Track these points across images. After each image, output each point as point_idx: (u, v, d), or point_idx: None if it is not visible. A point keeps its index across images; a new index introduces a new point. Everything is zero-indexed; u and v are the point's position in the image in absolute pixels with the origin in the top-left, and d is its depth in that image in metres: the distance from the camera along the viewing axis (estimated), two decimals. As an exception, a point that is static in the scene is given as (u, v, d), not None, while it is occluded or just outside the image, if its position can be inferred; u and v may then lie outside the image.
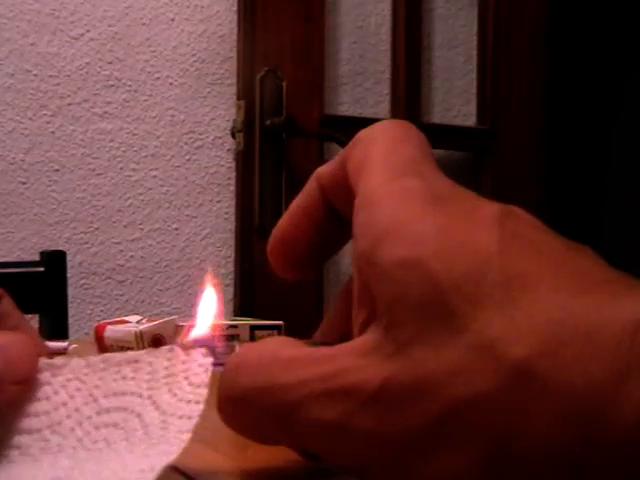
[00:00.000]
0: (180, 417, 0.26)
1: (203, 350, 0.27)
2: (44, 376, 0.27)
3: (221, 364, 0.26)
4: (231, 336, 0.69)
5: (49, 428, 0.26)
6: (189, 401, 0.26)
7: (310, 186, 0.31)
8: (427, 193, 0.25)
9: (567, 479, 0.21)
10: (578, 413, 0.21)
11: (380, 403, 0.23)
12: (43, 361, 0.28)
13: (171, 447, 0.25)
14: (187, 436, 0.25)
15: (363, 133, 0.29)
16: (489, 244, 0.23)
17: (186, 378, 0.27)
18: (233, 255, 1.55)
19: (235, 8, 1.55)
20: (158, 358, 0.27)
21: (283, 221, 0.31)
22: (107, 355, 0.28)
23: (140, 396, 0.27)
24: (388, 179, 0.26)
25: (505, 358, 0.21)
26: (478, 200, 0.25)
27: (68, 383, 0.27)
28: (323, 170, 0.31)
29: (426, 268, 0.23)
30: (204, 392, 0.27)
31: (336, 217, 0.30)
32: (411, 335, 0.23)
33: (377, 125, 0.29)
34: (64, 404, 0.27)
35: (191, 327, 0.29)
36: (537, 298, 0.22)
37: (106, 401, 0.27)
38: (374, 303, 0.25)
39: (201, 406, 0.26)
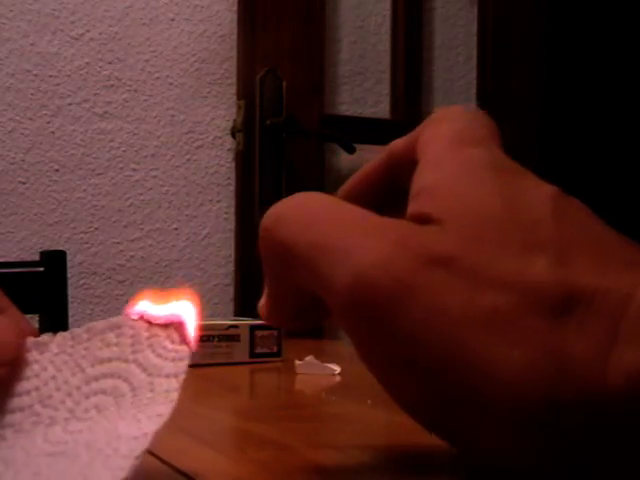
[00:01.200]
0: (167, 376, 0.26)
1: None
2: (32, 355, 0.28)
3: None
4: (231, 336, 0.69)
5: (40, 403, 0.27)
6: (173, 359, 0.27)
7: (381, 155, 0.32)
8: (490, 162, 0.26)
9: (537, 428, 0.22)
10: (558, 369, 0.22)
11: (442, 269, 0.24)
12: (30, 340, 0.28)
13: (160, 408, 0.25)
14: (175, 395, 0.26)
15: (437, 113, 0.30)
16: (545, 211, 0.25)
17: (168, 337, 0.27)
18: (233, 255, 1.55)
19: (235, 8, 1.54)
20: (139, 321, 0.28)
21: (348, 182, 0.33)
22: (90, 324, 0.28)
23: (126, 360, 0.27)
24: (454, 146, 0.27)
25: (541, 297, 0.23)
26: (538, 179, 0.27)
27: (55, 358, 0.28)
28: (398, 141, 0.31)
29: (491, 204, 0.25)
30: (186, 349, 0.27)
31: (395, 187, 0.31)
32: (466, 238, 0.24)
33: (450, 107, 0.31)
34: (53, 378, 0.27)
35: (138, 299, 0.28)
36: (577, 263, 0.23)
37: (93, 370, 0.27)
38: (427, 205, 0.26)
39: (186, 362, 0.26)
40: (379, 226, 0.25)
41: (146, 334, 0.27)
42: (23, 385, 0.27)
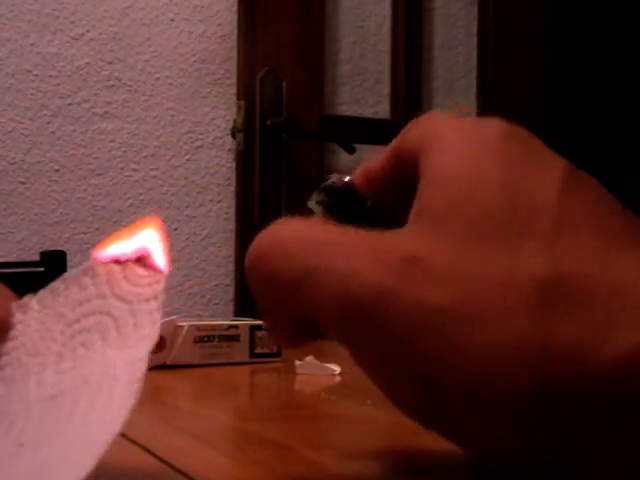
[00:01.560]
0: (146, 300, 0.26)
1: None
2: (16, 317, 0.28)
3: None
4: (231, 336, 0.69)
5: (27, 354, 0.27)
6: (149, 283, 0.27)
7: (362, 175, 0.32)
8: (505, 135, 0.26)
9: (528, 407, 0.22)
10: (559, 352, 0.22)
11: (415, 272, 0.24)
12: (14, 304, 0.28)
13: (146, 330, 0.25)
14: (157, 315, 0.26)
15: (416, 120, 0.30)
16: (551, 194, 0.25)
17: (140, 265, 0.27)
18: (233, 255, 1.55)
19: (235, 8, 1.54)
20: (110, 262, 0.28)
21: (362, 172, 0.32)
22: (66, 274, 0.28)
23: (104, 297, 0.27)
24: (465, 124, 0.27)
25: (528, 280, 0.23)
26: (551, 154, 0.27)
27: (37, 314, 0.28)
28: (369, 164, 0.31)
29: (489, 188, 0.25)
30: (160, 273, 0.27)
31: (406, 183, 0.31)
32: (456, 231, 0.24)
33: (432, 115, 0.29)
34: (37, 331, 0.27)
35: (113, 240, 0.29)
36: (574, 246, 0.23)
37: (74, 313, 0.27)
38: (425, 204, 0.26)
39: (162, 285, 0.27)
40: (351, 242, 0.26)
41: (119, 268, 0.27)
42: (9, 344, 0.27)
